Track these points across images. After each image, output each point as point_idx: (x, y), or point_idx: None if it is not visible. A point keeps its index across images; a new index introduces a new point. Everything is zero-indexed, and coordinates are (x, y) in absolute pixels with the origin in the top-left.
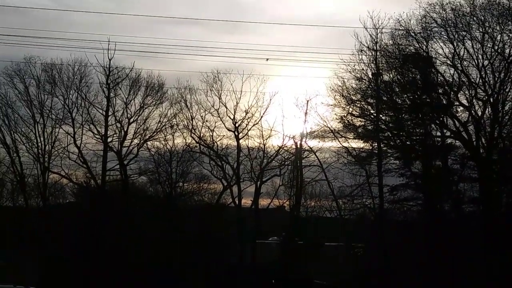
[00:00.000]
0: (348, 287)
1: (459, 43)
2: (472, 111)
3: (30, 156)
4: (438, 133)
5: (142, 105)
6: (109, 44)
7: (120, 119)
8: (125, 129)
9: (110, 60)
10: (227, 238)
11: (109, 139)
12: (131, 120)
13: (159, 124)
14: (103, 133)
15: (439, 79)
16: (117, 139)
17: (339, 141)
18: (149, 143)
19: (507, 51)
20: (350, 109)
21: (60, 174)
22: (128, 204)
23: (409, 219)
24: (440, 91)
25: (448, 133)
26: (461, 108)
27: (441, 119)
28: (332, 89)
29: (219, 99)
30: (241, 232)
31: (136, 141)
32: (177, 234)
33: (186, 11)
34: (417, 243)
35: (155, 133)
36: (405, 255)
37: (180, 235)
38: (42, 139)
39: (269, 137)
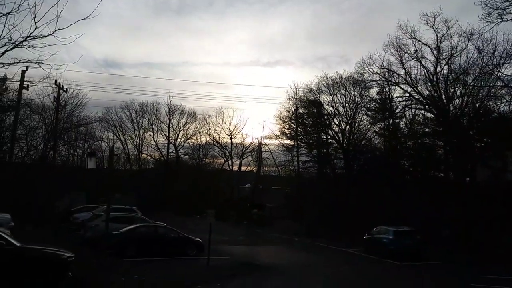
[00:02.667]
0: (281, 207)
1: (334, 96)
2: (340, 127)
3: (132, 146)
4: (324, 137)
5: (185, 122)
6: (169, 94)
7: (175, 129)
8: (177, 133)
9: (170, 101)
10: (225, 185)
11: (170, 138)
12: (180, 129)
13: (194, 131)
14: (167, 135)
15: (324, 112)
16: (174, 138)
17: (278, 140)
18: (189, 140)
19: (356, 99)
20: (284, 125)
21: (146, 154)
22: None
23: (311, 177)
24: (325, 117)
25: (329, 137)
26: (335, 125)
27: (325, 130)
28: (276, 116)
29: (222, 120)
30: (233, 182)
31: (183, 139)
32: (200, 186)
33: (203, 78)
34: (315, 189)
35: (191, 136)
36: (308, 195)
37: (202, 186)
38: (138, 138)
39: (246, 138)
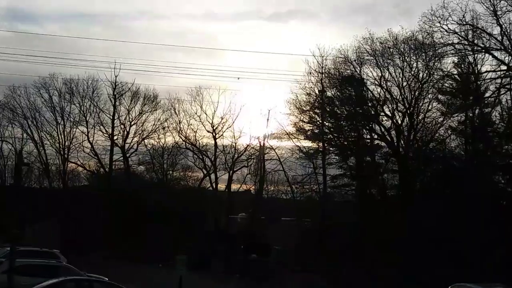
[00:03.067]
0: (297, 249)
1: (384, 69)
2: (394, 120)
3: (53, 150)
4: (368, 136)
5: (140, 111)
6: (115, 64)
7: (124, 122)
8: (128, 130)
9: (116, 77)
10: (206, 213)
11: (115, 137)
12: (132, 123)
13: (154, 126)
14: (110, 133)
15: (369, 95)
16: (121, 137)
17: (293, 141)
18: (146, 140)
19: (420, 75)
20: (301, 117)
21: (76, 164)
22: (130, 186)
23: (346, 200)
24: (369, 104)
25: (375, 136)
26: (386, 117)
27: (370, 125)
28: (288, 102)
29: (201, 108)
30: (217, 209)
31: (136, 139)
32: (167, 210)
33: (173, 40)
34: (351, 219)
35: (150, 133)
36: (342, 230)
37: (169, 211)
38: (62, 136)
39: (239, 137)
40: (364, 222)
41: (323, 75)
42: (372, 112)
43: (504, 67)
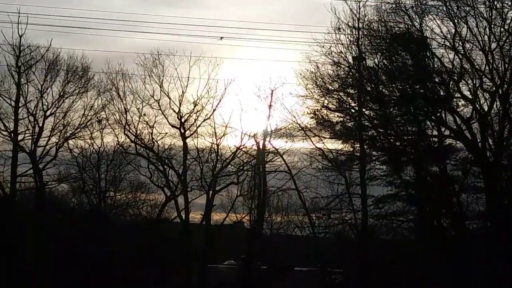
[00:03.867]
0: None
1: (460, 21)
2: (477, 105)
3: None
4: (435, 132)
5: (61, 94)
6: (19, 16)
7: (34, 112)
8: (40, 124)
9: (20, 37)
10: (170, 261)
11: (20, 137)
12: (48, 113)
13: (84, 118)
14: (12, 129)
15: (435, 65)
16: (30, 137)
17: (311, 141)
18: (71, 142)
19: None
20: (326, 102)
21: None
22: (45, 217)
23: (399, 239)
24: (437, 80)
25: (447, 132)
26: (463, 101)
27: (438, 114)
28: (303, 77)
29: (161, 87)
30: (187, 253)
31: (54, 139)
32: (107, 256)
33: None
34: (409, 269)
35: (78, 130)
36: (394, 283)
37: (111, 257)
38: None
39: (224, 135)
40: (429, 274)
41: (361, 33)
42: (441, 93)
43: None
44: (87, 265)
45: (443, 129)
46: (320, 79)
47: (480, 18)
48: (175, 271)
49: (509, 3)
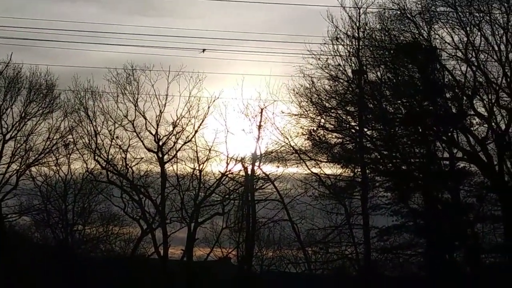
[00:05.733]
0: None
1: (473, 29)
2: (493, 123)
3: None
4: (446, 154)
5: (23, 115)
6: None
7: None
8: None
9: None
10: None
11: None
12: (8, 136)
13: (49, 142)
14: None
15: (446, 79)
16: None
17: (306, 165)
18: (33, 169)
19: None
20: (322, 121)
21: None
22: (4, 255)
23: (407, 275)
24: (448, 95)
25: (459, 154)
26: (478, 119)
27: (449, 134)
28: (297, 93)
29: (135, 106)
30: None
31: (14, 166)
32: None
33: None
34: None
35: (42, 155)
36: None
37: None
38: None
39: (207, 160)
40: None
41: (361, 43)
42: (453, 110)
43: None
44: None
45: (455, 151)
46: (315, 95)
47: (496, 25)
48: None
49: None
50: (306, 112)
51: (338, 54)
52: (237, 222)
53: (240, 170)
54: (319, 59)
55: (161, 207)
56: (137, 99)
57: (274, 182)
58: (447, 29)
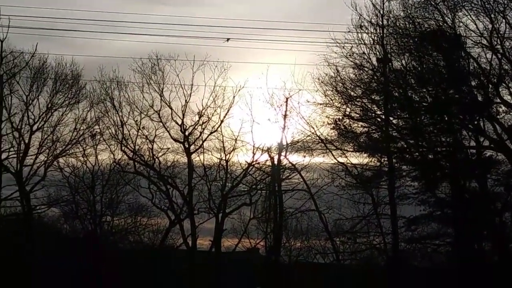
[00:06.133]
0: None
1: (498, 15)
2: None
3: None
4: (473, 143)
5: (49, 105)
6: (0, 19)
7: (19, 126)
8: (26, 141)
9: (2, 41)
10: None
11: (4, 155)
12: (35, 127)
13: (75, 133)
14: None
15: (471, 67)
16: (15, 155)
17: (333, 155)
18: (61, 160)
19: None
20: (348, 110)
21: None
22: (33, 247)
23: (435, 265)
24: (473, 83)
25: (486, 143)
26: (504, 107)
27: (476, 122)
28: (322, 82)
29: (161, 96)
30: (196, 285)
31: (42, 157)
32: None
33: None
34: None
35: (69, 146)
36: None
37: None
38: None
39: (233, 150)
40: None
41: (385, 31)
42: (479, 98)
43: None
44: None
45: (482, 139)
46: (340, 84)
47: None
48: None
49: None
50: (331, 101)
51: (362, 42)
52: (264, 212)
53: (267, 160)
54: (343, 47)
55: (189, 198)
56: (162, 89)
57: (300, 172)
58: (471, 16)
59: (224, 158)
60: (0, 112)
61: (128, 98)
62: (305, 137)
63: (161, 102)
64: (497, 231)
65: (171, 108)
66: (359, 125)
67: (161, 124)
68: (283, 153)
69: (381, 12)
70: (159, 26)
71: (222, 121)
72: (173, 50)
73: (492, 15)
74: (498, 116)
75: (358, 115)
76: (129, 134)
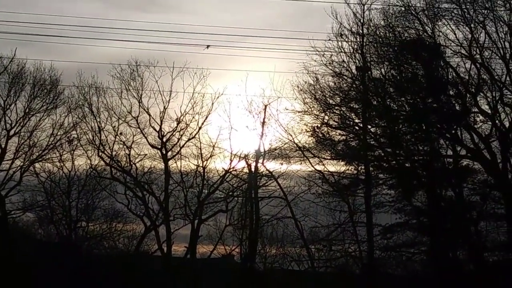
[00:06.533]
0: None
1: (478, 26)
2: (497, 121)
3: None
4: (450, 152)
5: (27, 110)
6: None
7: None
8: (3, 145)
9: None
10: None
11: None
12: (12, 132)
13: (52, 138)
14: None
15: (450, 76)
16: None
17: (310, 162)
18: (37, 165)
19: None
20: (326, 118)
21: None
22: (8, 251)
23: (410, 273)
24: (452, 92)
25: (463, 152)
26: (482, 116)
27: (453, 132)
28: (301, 89)
29: (139, 102)
30: None
31: (18, 162)
32: None
33: None
34: None
35: (46, 151)
36: None
37: None
38: None
39: (211, 157)
40: None
41: (365, 39)
42: (457, 107)
43: None
44: None
45: (459, 149)
46: (319, 92)
47: (500, 23)
48: None
49: None
50: (310, 109)
51: (342, 50)
52: (240, 219)
53: (244, 167)
54: (323, 55)
55: (165, 204)
56: (141, 95)
57: (277, 179)
58: (451, 26)
59: (201, 164)
60: None
61: (106, 104)
62: (283, 144)
63: (139, 108)
64: (473, 240)
65: (149, 114)
66: (337, 133)
67: (139, 130)
68: (260, 160)
69: (362, 20)
70: (139, 32)
71: (200, 128)
72: (152, 56)
73: (472, 25)
74: (476, 126)
75: (336, 123)
76: (107, 139)
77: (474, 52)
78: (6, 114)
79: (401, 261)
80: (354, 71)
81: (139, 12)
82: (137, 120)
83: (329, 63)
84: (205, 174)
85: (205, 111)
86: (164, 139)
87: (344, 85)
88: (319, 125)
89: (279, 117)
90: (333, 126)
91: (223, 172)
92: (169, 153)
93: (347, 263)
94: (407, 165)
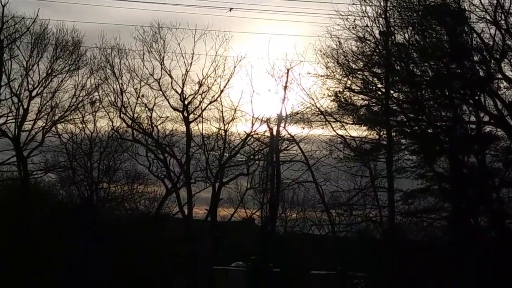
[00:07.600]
0: None
1: None
2: None
3: None
4: (473, 118)
5: (49, 71)
6: None
7: (18, 92)
8: (25, 106)
9: (3, 6)
10: (172, 263)
11: (2, 120)
12: (34, 93)
13: (74, 99)
14: None
15: (474, 42)
16: (13, 120)
17: (332, 127)
18: (59, 126)
19: None
20: (349, 82)
21: None
22: (29, 212)
23: (431, 239)
24: (476, 58)
25: (486, 118)
26: (506, 83)
27: (477, 98)
28: (324, 54)
29: (161, 65)
30: (192, 254)
31: (40, 123)
32: (102, 257)
33: None
34: (442, 273)
35: (68, 112)
36: None
37: (105, 258)
38: None
39: (232, 120)
40: (465, 281)
41: (389, 4)
42: (481, 73)
43: None
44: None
45: (482, 115)
46: (342, 56)
47: None
48: (177, 273)
49: None
50: (332, 74)
51: (365, 15)
52: (261, 183)
53: (265, 131)
54: (346, 19)
55: (186, 167)
56: (163, 57)
57: (299, 143)
58: None
59: (222, 128)
60: None
61: (128, 65)
62: (304, 108)
63: (161, 71)
64: (494, 206)
65: (171, 77)
66: (359, 98)
67: (160, 92)
68: (282, 124)
69: None
70: None
71: (222, 91)
72: (175, 18)
73: None
74: (499, 92)
75: (358, 88)
76: (128, 101)
77: (499, 18)
78: (28, 74)
79: (422, 227)
80: (377, 35)
81: None
82: (159, 83)
83: (353, 27)
84: (227, 137)
85: (227, 74)
86: (186, 102)
87: (367, 49)
88: (341, 90)
89: (301, 81)
90: (356, 91)
91: (245, 136)
92: (191, 116)
93: (368, 228)
94: (429, 130)
